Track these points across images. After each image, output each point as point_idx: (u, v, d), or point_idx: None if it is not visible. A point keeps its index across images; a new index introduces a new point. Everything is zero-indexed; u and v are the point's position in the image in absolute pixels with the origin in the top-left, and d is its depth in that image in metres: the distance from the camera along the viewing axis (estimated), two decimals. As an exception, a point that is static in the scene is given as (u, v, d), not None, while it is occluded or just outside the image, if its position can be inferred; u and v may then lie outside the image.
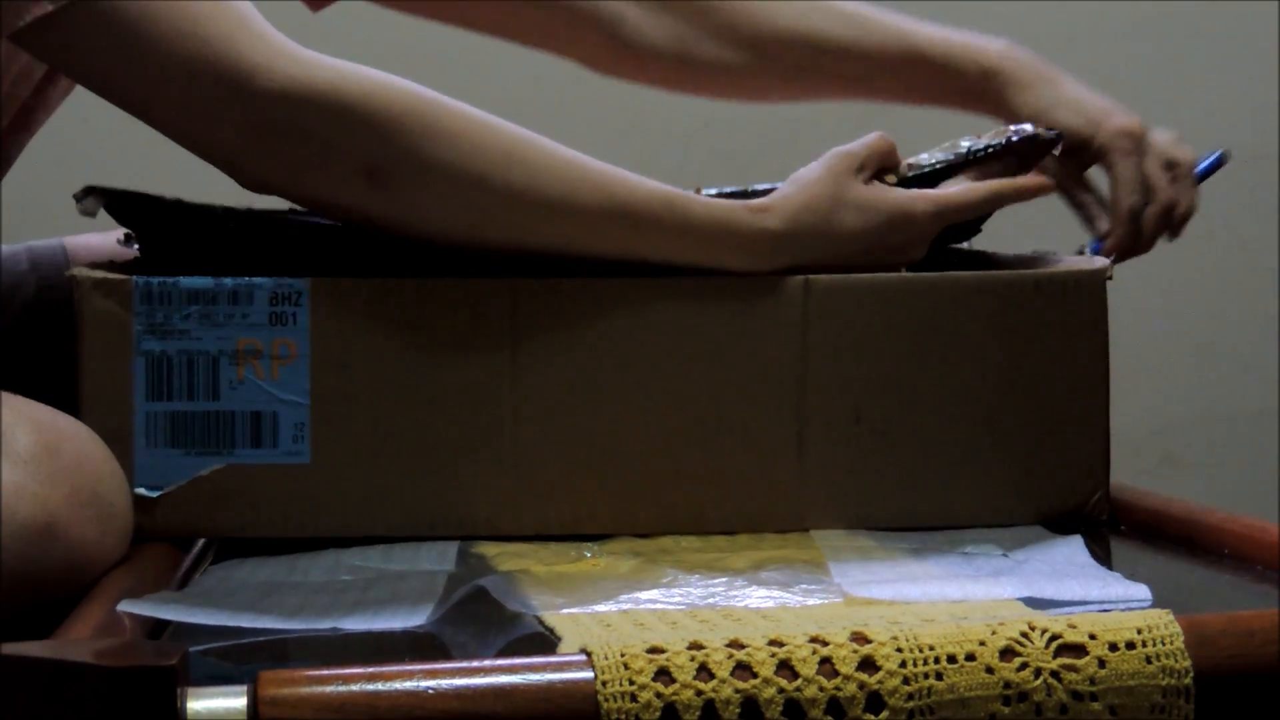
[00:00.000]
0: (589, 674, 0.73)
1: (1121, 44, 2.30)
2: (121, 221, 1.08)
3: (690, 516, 1.06)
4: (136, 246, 1.10)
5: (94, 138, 1.72)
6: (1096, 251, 1.27)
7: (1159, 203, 1.28)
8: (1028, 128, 1.17)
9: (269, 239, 1.06)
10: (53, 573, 0.91)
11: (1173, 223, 1.29)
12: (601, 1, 1.32)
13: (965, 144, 1.16)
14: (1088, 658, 0.76)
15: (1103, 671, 0.76)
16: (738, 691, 0.73)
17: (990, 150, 1.15)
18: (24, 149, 1.23)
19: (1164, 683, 0.76)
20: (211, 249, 1.06)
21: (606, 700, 0.73)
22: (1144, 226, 1.28)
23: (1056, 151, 1.18)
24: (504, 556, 1.01)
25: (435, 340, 1.04)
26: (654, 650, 0.74)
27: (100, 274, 1.03)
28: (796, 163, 1.10)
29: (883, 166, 1.12)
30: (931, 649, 0.75)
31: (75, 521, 0.92)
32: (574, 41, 1.34)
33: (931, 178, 1.14)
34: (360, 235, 1.05)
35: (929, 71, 1.32)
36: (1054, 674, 0.76)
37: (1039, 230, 1.40)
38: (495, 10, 1.32)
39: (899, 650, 0.75)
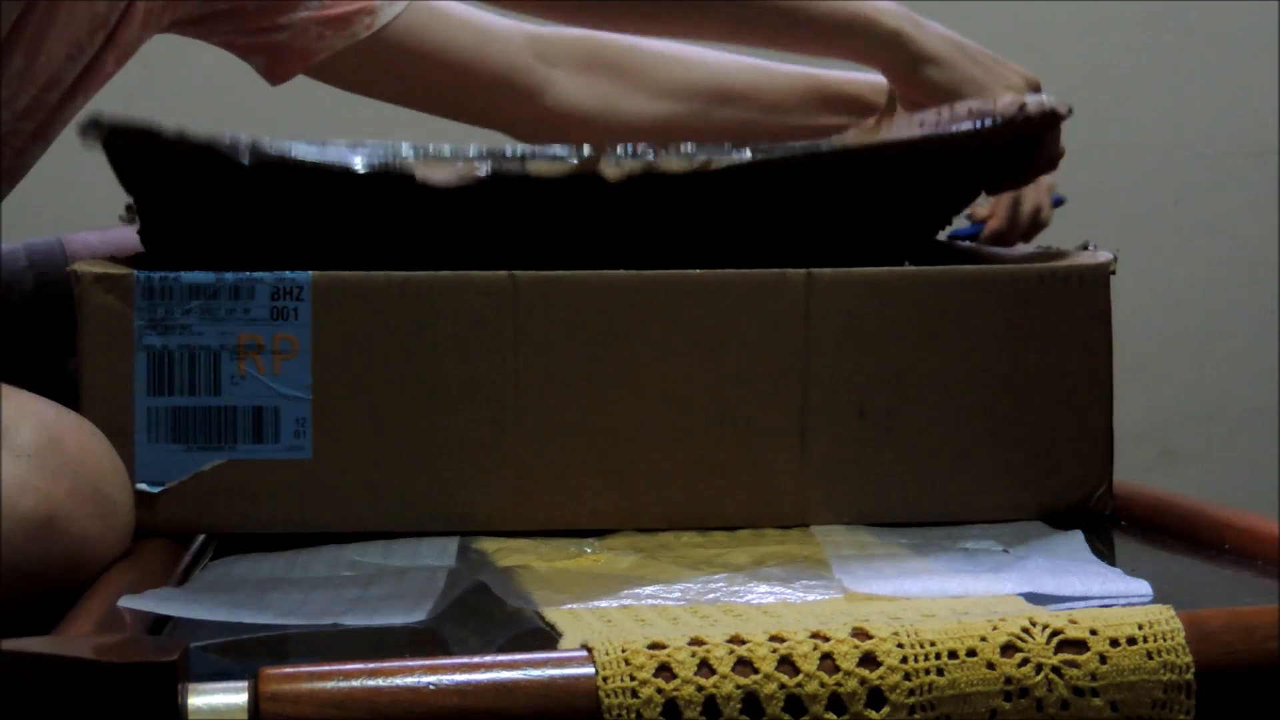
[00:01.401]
0: (590, 670, 0.73)
1: (1122, 43, 2.30)
2: (119, 164, 1.06)
3: (691, 512, 1.06)
4: (137, 222, 1.09)
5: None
6: (975, 233, 1.38)
7: (1030, 201, 1.38)
8: (1042, 99, 1.14)
9: (273, 188, 1.05)
10: (54, 567, 0.91)
11: (1036, 223, 1.40)
12: (533, 69, 1.38)
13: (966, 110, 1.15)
14: (1089, 653, 0.76)
15: (1104, 667, 0.76)
16: (739, 687, 0.73)
17: (1002, 122, 1.12)
18: (39, 158, 1.24)
19: (1165, 678, 0.76)
20: (214, 197, 1.04)
21: (607, 696, 0.73)
22: (1019, 218, 1.38)
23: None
24: (504, 552, 1.01)
25: (437, 335, 1.04)
26: (655, 646, 0.74)
27: (101, 269, 1.03)
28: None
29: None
30: (933, 644, 0.75)
31: (77, 516, 0.92)
32: (502, 110, 1.40)
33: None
34: (368, 193, 1.05)
35: (836, 102, 1.40)
36: (1055, 669, 0.76)
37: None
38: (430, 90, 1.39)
39: (900, 646, 0.75)
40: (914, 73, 1.24)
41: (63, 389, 1.01)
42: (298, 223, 1.06)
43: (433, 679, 0.72)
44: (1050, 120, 1.13)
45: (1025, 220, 1.39)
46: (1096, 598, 0.88)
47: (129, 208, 1.10)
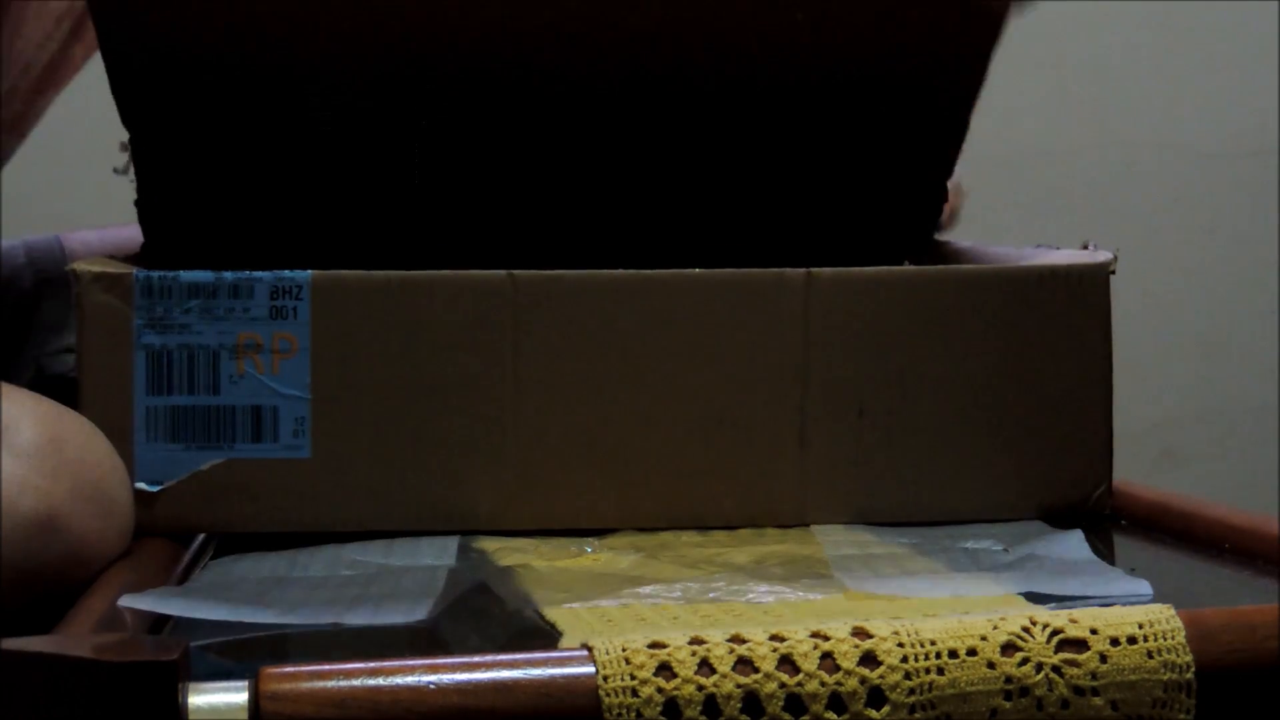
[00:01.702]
0: (590, 669, 0.73)
1: (1122, 43, 2.30)
2: (105, 29, 1.04)
3: (691, 512, 1.06)
4: (132, 172, 1.09)
5: (91, 136, 1.72)
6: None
7: (957, 190, 1.44)
8: None
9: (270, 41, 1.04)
10: (54, 566, 0.91)
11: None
12: None
13: None
14: (1089, 652, 0.76)
15: (1104, 666, 0.76)
16: (739, 686, 0.73)
17: None
18: (14, 153, 1.24)
19: (1165, 677, 0.76)
20: (210, 58, 1.04)
21: (608, 695, 0.73)
22: (953, 203, 1.45)
23: None
24: (504, 551, 1.01)
25: (436, 334, 1.04)
26: (655, 645, 0.74)
27: (100, 267, 1.03)
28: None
29: None
30: (933, 644, 0.75)
31: (77, 515, 0.92)
32: None
33: None
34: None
35: None
36: (1055, 669, 0.76)
37: (1037, 228, 1.40)
38: None
39: (900, 645, 0.75)
40: None
41: (61, 387, 1.01)
42: (296, 106, 1.05)
43: (433, 678, 0.72)
44: None
45: (956, 203, 1.46)
46: (1096, 597, 0.88)
47: (123, 145, 1.09)
